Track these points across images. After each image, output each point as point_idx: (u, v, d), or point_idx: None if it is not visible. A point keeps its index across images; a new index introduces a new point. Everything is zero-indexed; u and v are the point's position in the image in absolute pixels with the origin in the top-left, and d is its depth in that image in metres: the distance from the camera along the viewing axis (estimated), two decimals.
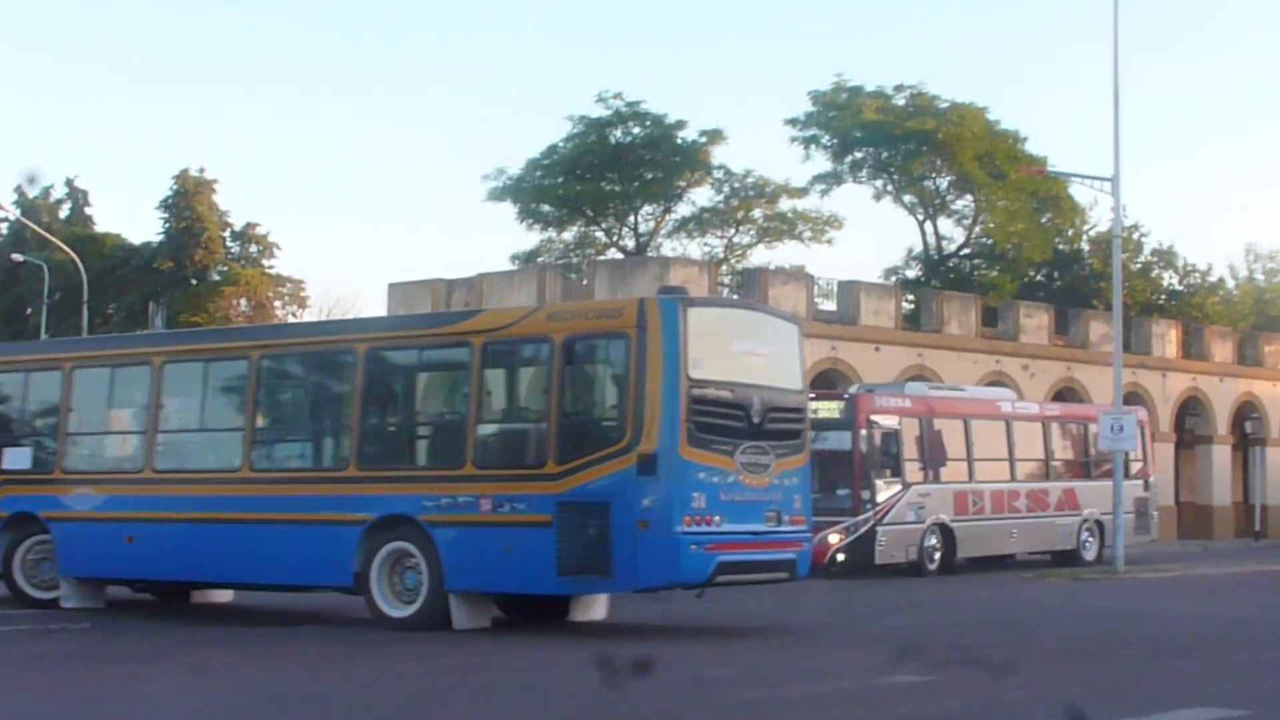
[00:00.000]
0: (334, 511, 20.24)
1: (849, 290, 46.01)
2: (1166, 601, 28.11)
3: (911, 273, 66.90)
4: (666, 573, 18.51)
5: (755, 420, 19.17)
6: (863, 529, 32.13)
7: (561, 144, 62.69)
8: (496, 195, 63.09)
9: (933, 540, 33.74)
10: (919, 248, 67.22)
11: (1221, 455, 58.99)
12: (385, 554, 19.81)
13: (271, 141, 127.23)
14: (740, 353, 19.81)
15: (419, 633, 19.36)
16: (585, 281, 44.30)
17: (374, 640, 19.21)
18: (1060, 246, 67.29)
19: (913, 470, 33.43)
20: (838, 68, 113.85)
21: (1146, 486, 40.43)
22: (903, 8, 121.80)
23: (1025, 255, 62.86)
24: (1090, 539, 38.57)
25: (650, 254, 59.30)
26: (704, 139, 62.73)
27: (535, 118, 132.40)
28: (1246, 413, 59.96)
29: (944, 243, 67.18)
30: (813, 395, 32.54)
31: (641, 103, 62.36)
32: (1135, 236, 68.18)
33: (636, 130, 62.50)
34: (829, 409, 32.55)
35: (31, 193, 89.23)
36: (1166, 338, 56.75)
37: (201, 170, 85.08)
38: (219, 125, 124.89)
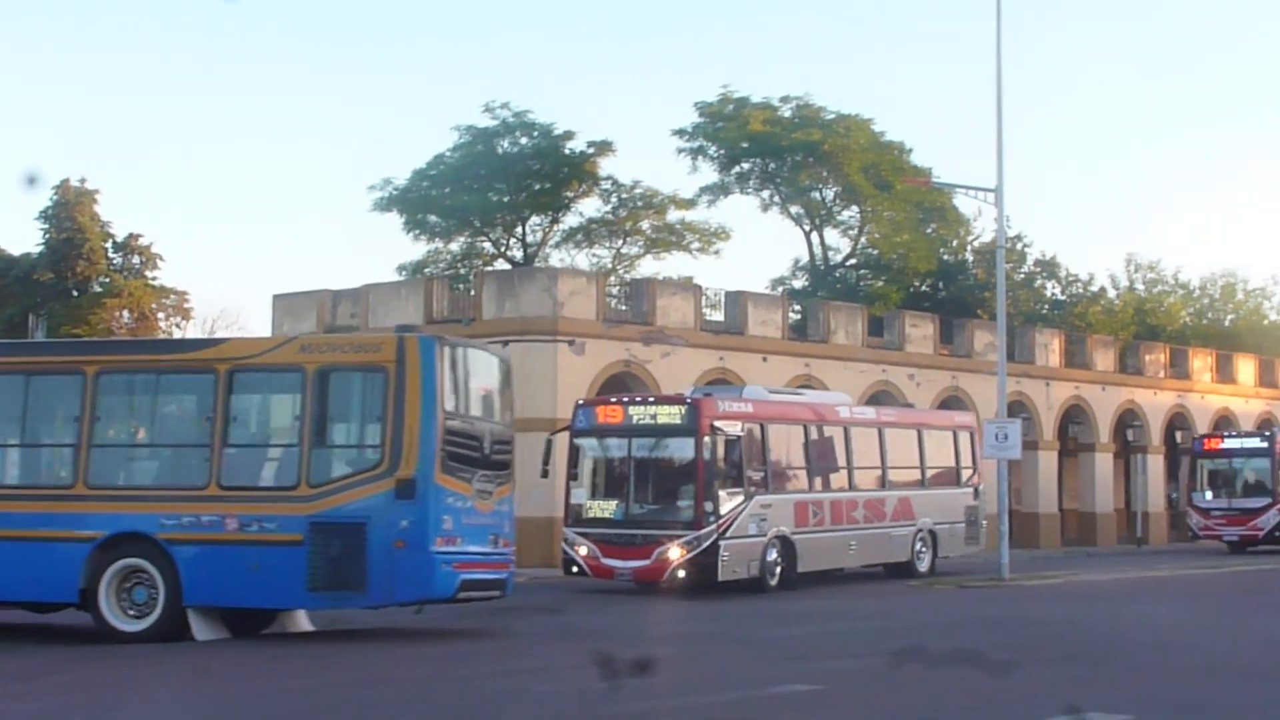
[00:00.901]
0: (59, 529, 20.69)
1: (736, 300, 46.15)
2: (1052, 608, 28.38)
3: (799, 283, 67.30)
4: (421, 589, 19.92)
5: (486, 451, 20.99)
6: (705, 543, 29.63)
7: (448, 154, 62.33)
8: (383, 206, 62.61)
9: (774, 554, 31.50)
10: (806, 258, 67.67)
11: (1104, 463, 59.78)
12: (115, 570, 20.40)
13: (155, 151, 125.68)
14: (475, 388, 21.60)
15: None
16: (473, 293, 44.07)
17: (263, 655, 19.00)
18: (945, 257, 67.96)
19: (754, 479, 31.38)
20: (725, 79, 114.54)
21: (976, 495, 39.03)
22: (789, 19, 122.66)
23: (911, 265, 63.36)
24: (924, 550, 36.72)
25: (538, 265, 59.15)
26: (592, 150, 62.59)
27: (422, 128, 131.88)
28: (1128, 421, 60.84)
29: (831, 253, 67.67)
30: (651, 399, 32.17)
31: (529, 113, 62.18)
32: (1019, 247, 69.01)
33: (524, 141, 62.27)
34: (669, 414, 30.68)
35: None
36: (1050, 347, 57.45)
37: (83, 180, 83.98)
38: (101, 135, 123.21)
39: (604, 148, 62.75)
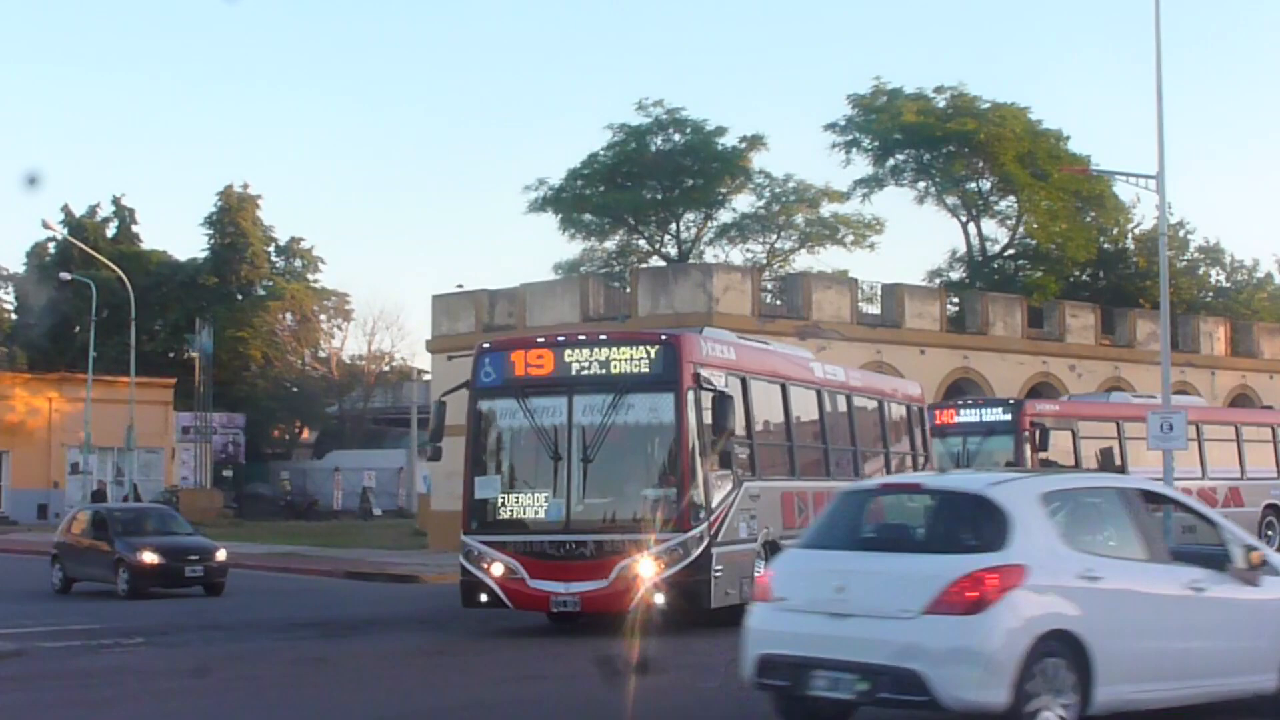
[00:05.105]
0: None
1: (892, 293, 45.87)
2: None
3: (955, 275, 66.68)
4: None
5: None
6: (695, 552, 20.35)
7: (602, 153, 62.75)
8: (538, 206, 63.21)
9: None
10: (962, 249, 67.04)
11: None
12: None
13: (315, 156, 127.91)
14: None
15: (458, 648, 19.44)
16: (628, 290, 44.26)
17: (416, 652, 19.28)
18: (1104, 245, 66.95)
19: (741, 458, 22.22)
20: (876, 70, 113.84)
21: None
22: (942, 9, 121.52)
23: (1069, 255, 62.56)
24: None
25: (693, 261, 59.26)
26: (744, 145, 62.70)
27: (576, 127, 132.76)
28: None
29: (987, 244, 66.94)
30: (603, 337, 22.21)
31: (681, 110, 62.42)
32: (1181, 234, 67.72)
33: (676, 137, 62.52)
34: (632, 358, 21.07)
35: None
36: (1215, 335, 56.30)
37: (245, 186, 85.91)
38: (263, 141, 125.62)
39: (756, 142, 62.82)
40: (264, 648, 20.59)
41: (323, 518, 70.26)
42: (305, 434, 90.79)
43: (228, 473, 76.08)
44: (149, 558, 29.77)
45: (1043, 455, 34.27)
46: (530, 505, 21.03)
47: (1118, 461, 36.77)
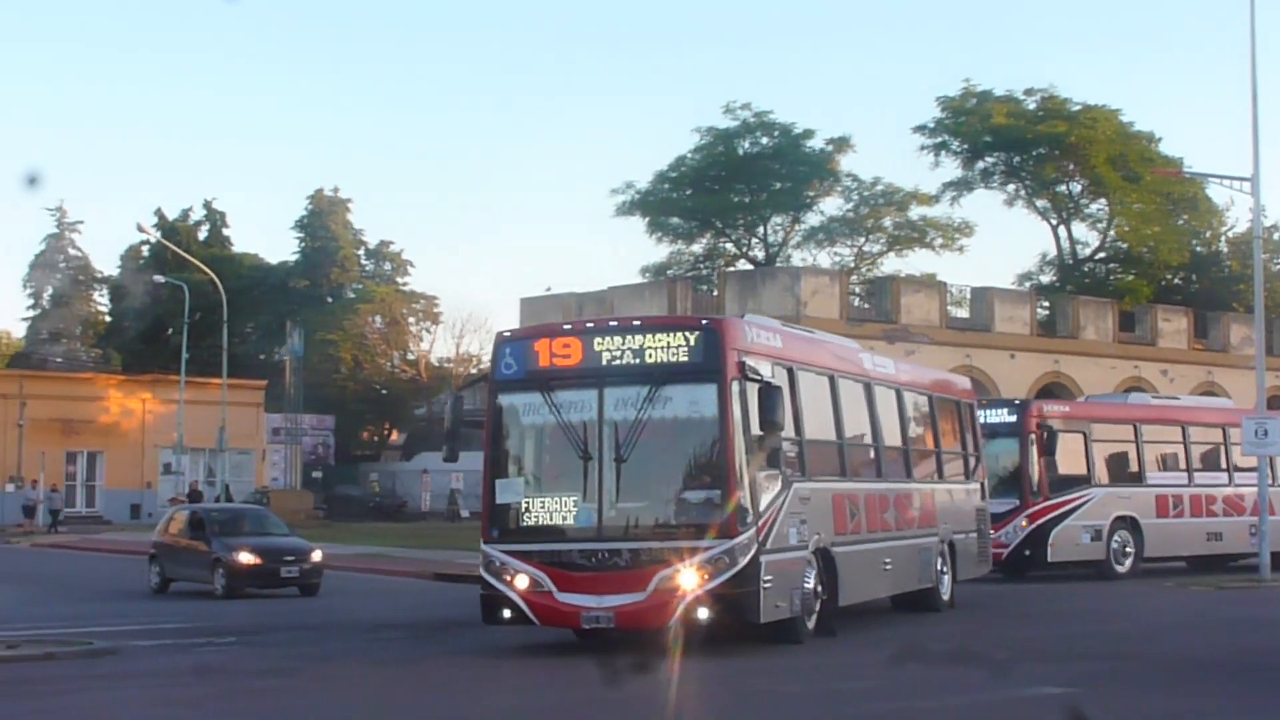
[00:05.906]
0: None
1: (982, 297, 45.63)
2: None
3: (1045, 278, 66.18)
4: None
5: None
6: (742, 560, 18.14)
7: (689, 156, 62.80)
8: (625, 209, 63.35)
9: (811, 578, 19.99)
10: (1052, 253, 66.53)
11: None
12: None
13: (406, 160, 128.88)
14: None
15: (543, 649, 19.51)
16: (715, 293, 44.27)
17: (501, 653, 19.36)
18: (1197, 249, 66.26)
19: (789, 457, 20.01)
20: (966, 72, 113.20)
21: (984, 494, 28.21)
22: (1034, 11, 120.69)
23: (1161, 258, 61.93)
24: (945, 570, 25.38)
25: (780, 264, 59.17)
26: (831, 148, 62.56)
27: (664, 131, 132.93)
28: None
29: (1078, 247, 66.38)
30: (636, 322, 19.89)
31: (769, 113, 62.38)
32: (1276, 236, 66.88)
33: (764, 140, 62.48)
34: (671, 345, 18.81)
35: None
36: None
37: (336, 189, 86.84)
38: (354, 144, 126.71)
39: (843, 144, 62.67)
40: (353, 648, 20.74)
41: (410, 519, 70.75)
42: (394, 436, 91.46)
43: (317, 474, 76.76)
44: (246, 558, 29.86)
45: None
46: (557, 510, 18.83)
47: (1133, 468, 34.82)
